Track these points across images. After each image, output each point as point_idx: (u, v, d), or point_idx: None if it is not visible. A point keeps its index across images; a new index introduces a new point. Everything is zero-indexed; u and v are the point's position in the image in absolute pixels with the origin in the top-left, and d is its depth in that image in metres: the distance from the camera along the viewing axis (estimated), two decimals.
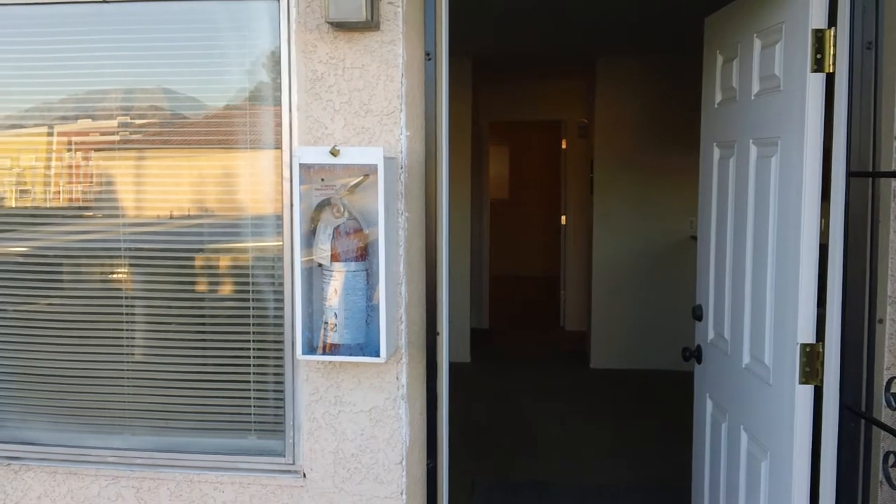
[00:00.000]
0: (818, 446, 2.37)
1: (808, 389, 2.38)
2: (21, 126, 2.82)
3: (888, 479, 2.22)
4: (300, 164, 2.42)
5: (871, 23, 2.25)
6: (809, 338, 2.38)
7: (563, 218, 9.20)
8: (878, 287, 2.32)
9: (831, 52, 2.29)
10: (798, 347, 2.38)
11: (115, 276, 2.82)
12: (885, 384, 2.27)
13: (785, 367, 2.45)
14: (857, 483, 2.33)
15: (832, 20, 2.30)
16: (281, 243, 2.67)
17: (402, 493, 2.66)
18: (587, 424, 5.93)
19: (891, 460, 2.24)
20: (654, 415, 6.10)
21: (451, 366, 2.86)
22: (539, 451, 5.36)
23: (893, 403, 2.20)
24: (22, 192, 2.84)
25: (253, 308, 2.74)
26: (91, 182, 2.79)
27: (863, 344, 2.31)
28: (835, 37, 2.29)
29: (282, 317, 2.70)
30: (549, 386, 6.97)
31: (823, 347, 2.36)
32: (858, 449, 2.31)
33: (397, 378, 2.62)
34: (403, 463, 2.65)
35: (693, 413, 3.32)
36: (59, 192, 2.82)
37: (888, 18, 2.28)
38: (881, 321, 2.34)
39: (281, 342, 2.71)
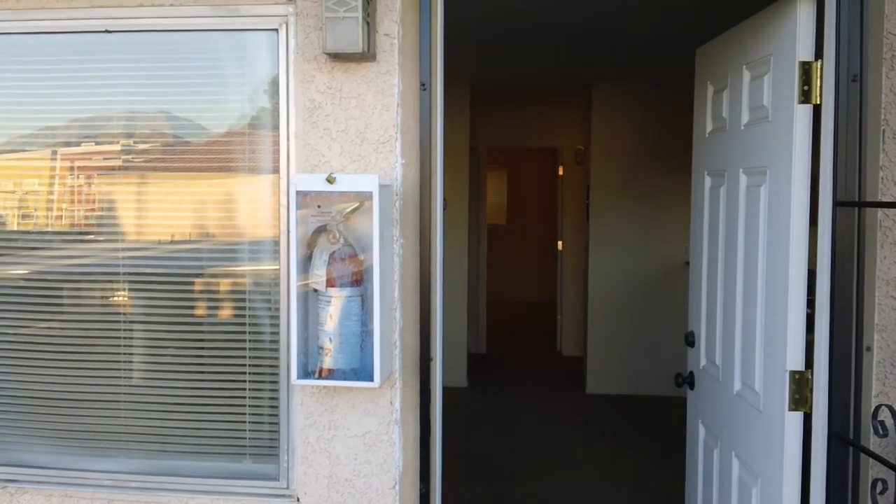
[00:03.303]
0: (808, 473, 2.39)
1: (798, 416, 2.41)
2: (24, 151, 2.86)
3: None
4: (297, 191, 2.46)
5: (856, 56, 2.30)
6: (798, 365, 2.41)
7: (560, 243, 9.24)
8: (866, 315, 2.35)
9: (818, 84, 2.35)
10: (787, 374, 2.41)
11: (113, 300, 2.84)
12: (872, 411, 2.30)
13: (775, 394, 2.47)
14: None
15: (819, 53, 2.36)
16: (277, 268, 2.70)
17: None
18: (584, 449, 5.92)
19: (879, 487, 2.26)
20: (651, 440, 6.09)
21: (448, 390, 2.88)
22: (536, 477, 5.35)
23: (881, 431, 2.22)
24: (24, 216, 2.88)
25: (249, 332, 2.77)
26: (92, 206, 2.83)
27: (851, 371, 2.33)
28: (821, 69, 2.34)
29: (277, 341, 2.72)
30: (546, 411, 6.96)
31: (812, 374, 2.38)
32: (847, 476, 2.33)
33: (391, 403, 2.64)
34: (397, 488, 2.66)
35: (686, 439, 3.34)
36: (60, 217, 2.85)
37: (873, 52, 2.33)
38: (869, 348, 2.37)
39: (276, 366, 2.74)
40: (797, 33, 2.37)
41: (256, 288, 2.76)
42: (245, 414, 2.79)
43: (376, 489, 2.67)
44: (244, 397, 2.79)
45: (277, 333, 2.72)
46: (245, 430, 2.80)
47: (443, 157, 2.68)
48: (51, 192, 2.86)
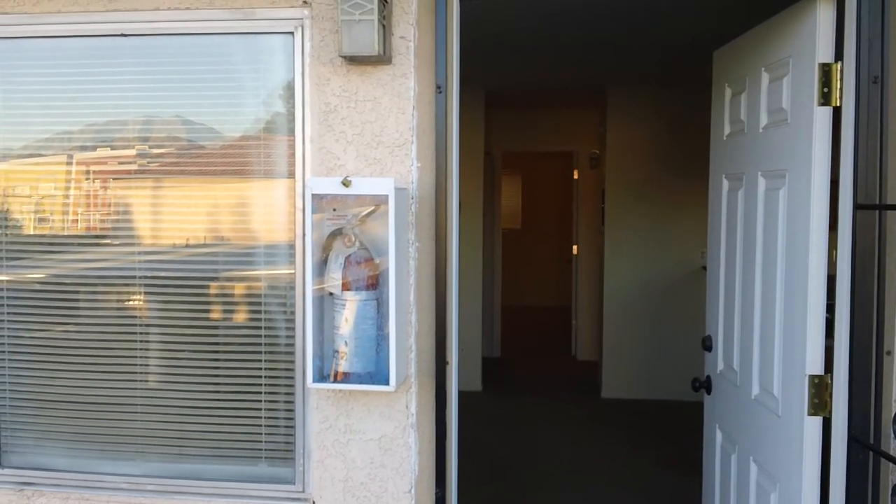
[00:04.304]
0: (827, 478, 2.37)
1: (817, 421, 2.38)
2: (41, 155, 2.88)
3: None
4: (312, 195, 2.46)
5: (877, 57, 2.27)
6: (818, 369, 2.38)
7: (575, 248, 9.21)
8: (886, 318, 2.32)
9: (838, 87, 2.32)
10: (806, 379, 2.38)
11: (130, 303, 2.85)
12: (893, 416, 2.27)
13: (793, 399, 2.45)
14: None
15: (839, 55, 2.33)
16: (293, 272, 2.70)
17: None
18: (598, 455, 5.89)
19: None
20: (666, 445, 6.06)
21: (463, 394, 2.87)
22: (550, 481, 5.33)
23: None
24: (41, 220, 2.89)
25: (265, 336, 2.77)
26: (108, 210, 2.84)
27: (871, 376, 2.31)
28: (841, 71, 2.32)
29: (293, 345, 2.72)
30: (560, 415, 6.94)
31: (832, 379, 2.36)
32: (867, 481, 2.30)
33: (407, 407, 2.64)
34: (412, 492, 2.66)
35: (703, 444, 3.31)
36: (76, 220, 2.87)
37: (894, 53, 2.30)
38: (889, 353, 2.33)
39: (292, 370, 2.74)
40: (817, 35, 2.35)
41: (272, 291, 2.77)
42: (261, 417, 2.79)
43: (392, 493, 2.66)
44: (260, 401, 2.79)
45: (293, 337, 2.72)
46: (261, 434, 2.80)
47: (458, 161, 2.67)
48: (67, 196, 2.87)
